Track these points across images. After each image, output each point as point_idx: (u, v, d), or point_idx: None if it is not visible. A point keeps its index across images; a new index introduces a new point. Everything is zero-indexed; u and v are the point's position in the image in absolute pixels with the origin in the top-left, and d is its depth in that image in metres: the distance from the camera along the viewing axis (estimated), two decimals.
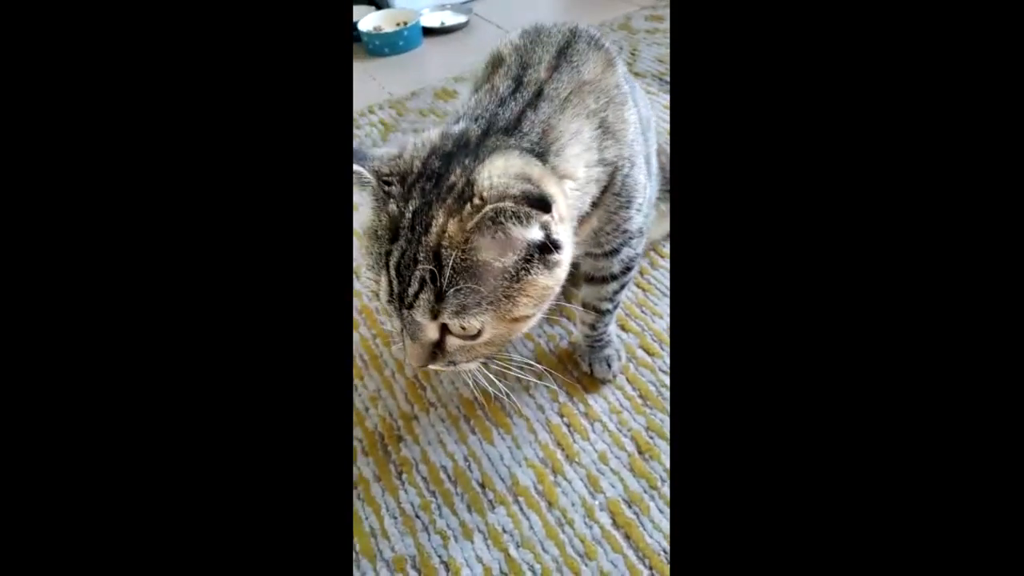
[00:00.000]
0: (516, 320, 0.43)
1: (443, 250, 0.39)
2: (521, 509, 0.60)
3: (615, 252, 0.55)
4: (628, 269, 0.59)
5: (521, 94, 0.45)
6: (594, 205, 0.48)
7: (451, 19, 1.46)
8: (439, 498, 0.61)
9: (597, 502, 0.59)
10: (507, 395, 0.68)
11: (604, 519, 0.58)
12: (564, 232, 0.42)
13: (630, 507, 0.59)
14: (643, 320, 0.75)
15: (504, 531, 0.58)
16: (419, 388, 0.71)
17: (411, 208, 0.40)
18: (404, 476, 0.63)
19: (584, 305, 0.65)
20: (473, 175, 0.40)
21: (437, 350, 0.44)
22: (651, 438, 0.63)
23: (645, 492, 0.59)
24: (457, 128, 0.44)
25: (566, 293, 0.80)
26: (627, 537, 0.57)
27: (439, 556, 0.57)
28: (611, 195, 0.48)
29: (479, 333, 0.42)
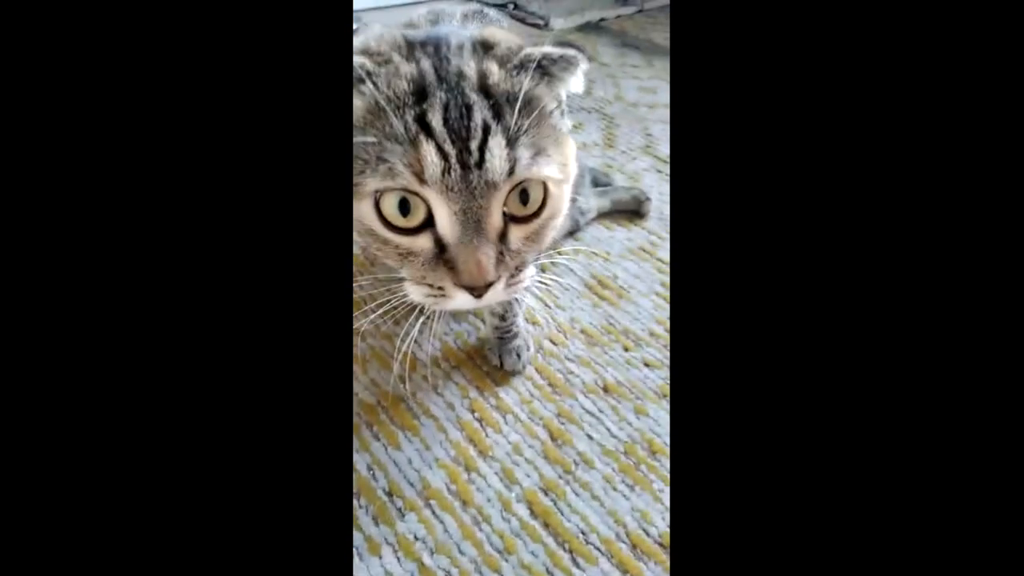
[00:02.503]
0: (566, 180, 0.39)
1: (491, 88, 0.34)
2: (434, 513, 0.55)
3: None
4: (535, 259, 0.59)
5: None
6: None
7: None
8: None
9: (513, 494, 0.57)
10: (412, 394, 0.64)
11: (521, 511, 0.56)
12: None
13: (546, 495, 0.57)
14: (548, 313, 0.76)
15: (416, 539, 0.53)
16: None
17: (428, 64, 0.35)
18: None
19: None
20: (486, 32, 0.38)
21: (503, 247, 0.36)
22: (563, 424, 0.63)
23: (560, 478, 0.58)
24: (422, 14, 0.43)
25: None
26: (546, 525, 0.55)
27: None
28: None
29: (543, 204, 0.36)
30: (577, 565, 0.52)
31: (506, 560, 0.52)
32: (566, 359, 0.70)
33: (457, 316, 0.75)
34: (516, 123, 0.33)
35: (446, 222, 0.35)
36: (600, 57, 1.44)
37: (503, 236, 0.37)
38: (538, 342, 0.72)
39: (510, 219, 0.37)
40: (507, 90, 0.34)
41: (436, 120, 0.33)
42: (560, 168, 0.37)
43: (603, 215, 0.92)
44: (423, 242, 0.36)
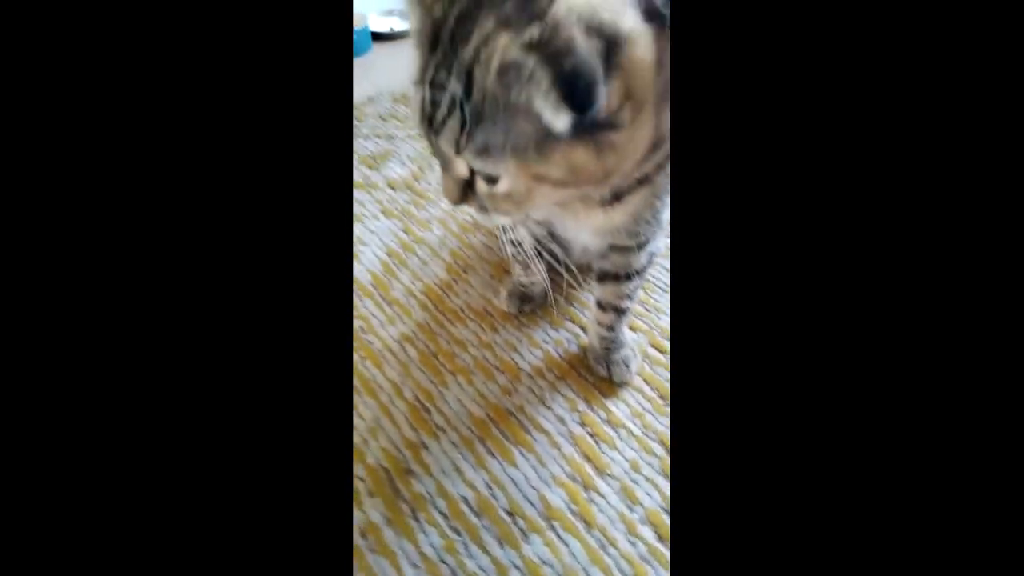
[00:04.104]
0: (539, 179, 0.35)
1: (477, 69, 0.31)
2: (558, 535, 0.54)
3: (645, 244, 0.51)
4: (651, 262, 0.56)
5: None
6: (645, 181, 0.43)
7: (400, 25, 1.39)
8: (464, 535, 0.54)
9: (636, 515, 0.55)
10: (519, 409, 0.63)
11: (647, 533, 0.54)
12: (629, 113, 0.33)
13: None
14: (649, 318, 0.73)
15: (543, 562, 0.53)
16: (423, 412, 0.64)
17: (456, 11, 0.32)
18: (420, 515, 0.56)
19: (601, 306, 0.61)
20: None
21: (469, 189, 0.38)
22: None
23: None
24: None
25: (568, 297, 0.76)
26: None
27: None
28: (664, 174, 0.43)
29: (497, 180, 0.36)
30: None
31: None
32: None
33: (554, 323, 0.73)
34: (476, 114, 0.32)
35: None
36: None
37: (470, 183, 0.39)
38: (642, 350, 0.69)
39: (478, 175, 0.38)
40: (489, 80, 0.31)
41: (428, 76, 0.33)
42: (520, 169, 0.34)
43: None
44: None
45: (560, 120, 0.30)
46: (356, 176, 0.96)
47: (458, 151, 0.34)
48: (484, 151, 0.33)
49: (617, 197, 0.44)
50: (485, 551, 0.53)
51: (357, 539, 0.55)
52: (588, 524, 0.55)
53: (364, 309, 0.75)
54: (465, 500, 0.57)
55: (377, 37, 1.37)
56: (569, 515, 0.56)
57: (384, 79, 1.23)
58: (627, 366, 0.64)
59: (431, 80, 0.33)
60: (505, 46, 0.30)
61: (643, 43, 0.32)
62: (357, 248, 0.84)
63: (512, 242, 0.66)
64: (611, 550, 0.53)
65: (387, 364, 0.69)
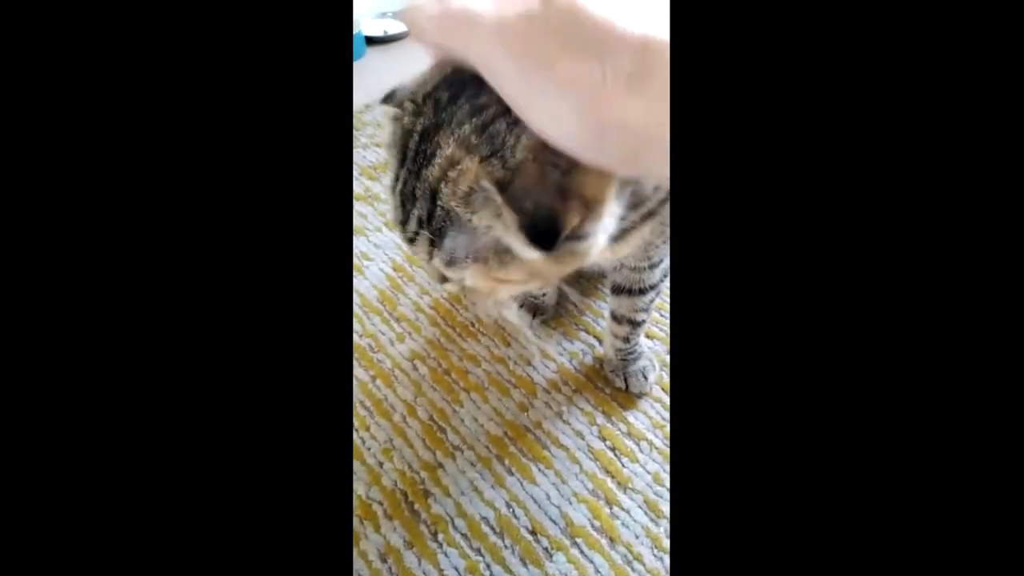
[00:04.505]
0: (500, 281, 0.36)
1: (443, 189, 0.31)
2: (582, 552, 0.53)
3: (659, 263, 0.50)
4: (665, 276, 0.55)
5: None
6: (649, 216, 0.42)
7: (394, 27, 1.37)
8: (487, 556, 0.54)
9: (662, 529, 0.54)
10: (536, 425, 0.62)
11: None
12: (589, 225, 0.33)
13: None
14: (666, 325, 0.72)
15: None
16: (438, 431, 0.63)
17: (420, 126, 0.32)
18: (440, 536, 0.55)
19: (616, 318, 0.60)
20: (522, 127, 0.30)
21: (444, 277, 0.39)
22: None
23: None
24: None
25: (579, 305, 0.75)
26: None
27: None
28: (667, 205, 0.43)
29: (463, 278, 0.37)
30: None
31: None
32: None
33: (569, 334, 0.72)
34: (439, 231, 0.33)
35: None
36: None
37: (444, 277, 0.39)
38: (660, 359, 0.68)
39: None
40: (454, 202, 0.31)
41: (398, 187, 0.34)
42: (483, 273, 0.35)
43: None
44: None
45: (529, 253, 0.31)
46: (357, 188, 0.94)
47: (429, 260, 0.35)
48: (451, 262, 0.34)
49: (620, 236, 0.43)
50: (509, 571, 0.53)
51: (377, 563, 0.54)
52: (612, 540, 0.54)
53: (372, 327, 0.74)
54: (486, 520, 0.56)
55: (371, 41, 1.35)
56: (592, 531, 0.55)
57: (380, 84, 1.21)
58: (645, 377, 0.63)
59: (401, 191, 0.34)
60: (471, 174, 0.30)
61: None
62: (362, 263, 0.83)
63: None
64: (637, 565, 0.52)
65: (398, 383, 0.68)
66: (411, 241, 0.35)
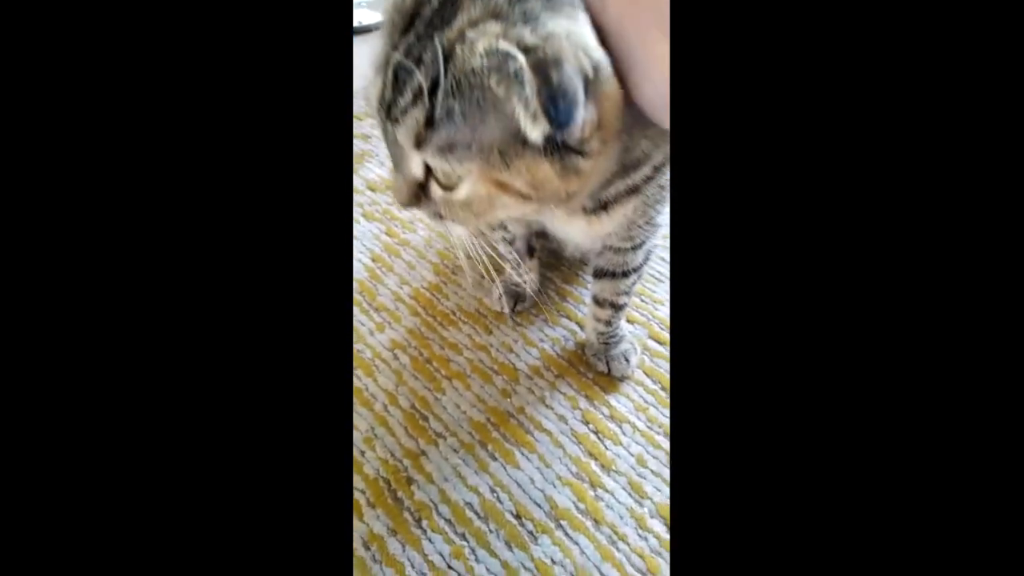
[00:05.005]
0: (502, 187, 0.33)
1: (455, 56, 0.29)
2: (567, 534, 0.53)
3: (641, 245, 0.51)
4: (647, 259, 0.55)
5: None
6: (634, 191, 0.43)
7: (369, 17, 1.36)
8: (471, 540, 0.53)
9: (646, 509, 0.55)
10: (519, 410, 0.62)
11: (657, 527, 0.54)
12: (597, 144, 0.33)
13: None
14: (647, 309, 0.72)
15: (553, 562, 0.52)
16: (420, 419, 0.62)
17: None
18: (424, 523, 0.54)
19: (598, 302, 0.60)
20: (553, 5, 0.30)
21: (422, 192, 0.36)
22: None
23: None
24: None
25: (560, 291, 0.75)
26: None
27: None
28: (656, 186, 0.43)
29: (457, 185, 0.34)
30: None
31: None
32: None
33: (550, 321, 0.72)
34: (445, 106, 0.30)
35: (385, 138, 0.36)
36: None
37: (424, 185, 0.36)
38: (642, 343, 0.68)
39: (432, 174, 0.35)
40: (465, 69, 0.29)
41: (395, 59, 0.32)
42: (484, 173, 0.33)
43: None
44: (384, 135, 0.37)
45: (536, 130, 0.29)
46: None
47: (418, 145, 0.32)
48: (447, 148, 0.31)
49: (604, 207, 0.43)
50: (494, 555, 0.52)
51: (361, 551, 0.53)
52: (597, 521, 0.54)
53: (352, 318, 0.73)
54: (470, 505, 0.55)
55: None
56: (577, 514, 0.55)
57: (359, 73, 1.20)
58: (627, 360, 0.64)
59: (399, 62, 0.31)
60: (496, 34, 0.29)
61: (614, 80, 0.32)
62: None
63: (505, 239, 0.65)
64: (621, 545, 0.52)
65: (380, 373, 0.67)
66: (397, 120, 0.31)
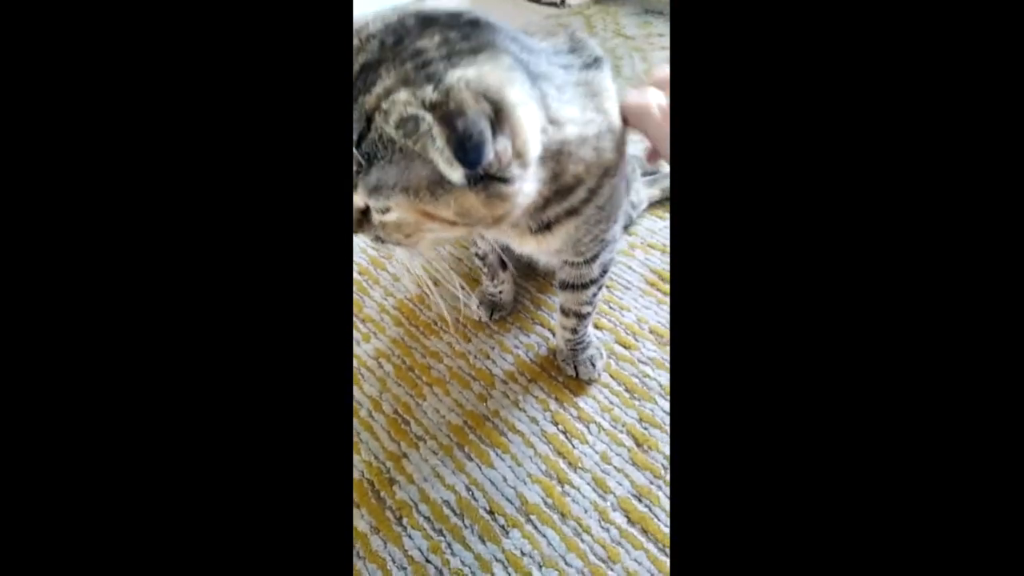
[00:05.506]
0: (428, 216, 0.38)
1: (378, 115, 0.34)
2: (536, 528, 0.58)
3: (594, 258, 0.55)
4: (605, 272, 0.59)
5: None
6: (572, 213, 0.47)
7: None
8: (448, 536, 0.58)
9: (608, 503, 0.59)
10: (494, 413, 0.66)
11: (619, 519, 0.58)
12: (520, 171, 0.37)
13: (640, 501, 0.59)
14: (614, 316, 0.77)
15: (523, 554, 0.56)
16: (402, 424, 0.67)
17: (361, 60, 0.35)
18: (405, 520, 0.59)
19: (564, 312, 0.64)
20: (455, 62, 0.34)
21: (364, 218, 0.41)
22: (646, 429, 0.65)
23: (651, 483, 0.60)
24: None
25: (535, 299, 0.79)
26: (644, 532, 0.57)
27: None
28: (594, 207, 0.47)
29: (388, 210, 0.39)
30: None
31: (611, 569, 0.55)
32: (639, 362, 0.71)
33: (525, 328, 0.76)
34: (370, 157, 0.35)
35: None
36: (624, 30, 1.39)
37: (366, 211, 0.41)
38: (609, 348, 0.73)
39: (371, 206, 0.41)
40: (384, 128, 0.34)
41: None
42: (411, 205, 0.37)
43: (654, 204, 0.91)
44: None
45: (454, 172, 0.34)
46: None
47: (353, 187, 0.37)
48: (375, 189, 0.36)
49: (547, 227, 0.47)
50: (468, 548, 0.57)
51: None
52: (563, 515, 0.59)
53: (352, 328, 0.78)
54: (447, 503, 0.60)
55: None
56: (545, 508, 0.59)
57: None
58: (593, 365, 0.68)
59: None
60: (405, 101, 0.33)
61: (529, 109, 0.36)
62: None
63: (477, 255, 0.69)
64: (585, 537, 0.57)
65: (364, 380, 0.72)
66: None
